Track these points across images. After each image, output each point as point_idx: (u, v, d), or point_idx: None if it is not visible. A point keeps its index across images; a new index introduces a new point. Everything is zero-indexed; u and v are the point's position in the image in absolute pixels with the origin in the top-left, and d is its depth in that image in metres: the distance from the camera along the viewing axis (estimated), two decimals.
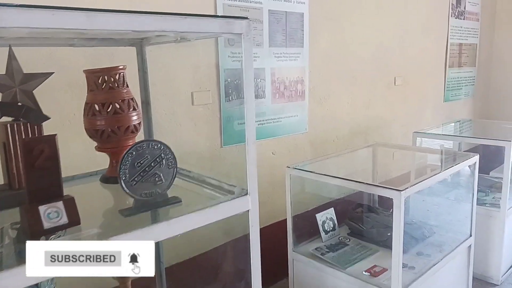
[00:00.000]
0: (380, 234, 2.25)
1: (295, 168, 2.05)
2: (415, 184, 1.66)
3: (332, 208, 2.40)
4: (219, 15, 0.90)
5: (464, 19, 4.19)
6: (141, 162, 1.00)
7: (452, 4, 4.01)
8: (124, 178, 0.97)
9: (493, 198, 2.85)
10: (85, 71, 1.22)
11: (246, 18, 1.05)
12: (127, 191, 0.98)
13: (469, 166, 2.15)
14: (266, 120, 2.54)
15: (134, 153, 0.99)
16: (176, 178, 1.13)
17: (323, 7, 2.79)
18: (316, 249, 2.15)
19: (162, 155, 1.06)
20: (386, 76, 3.43)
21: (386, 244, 2.18)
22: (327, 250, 2.15)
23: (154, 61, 1.75)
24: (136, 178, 0.99)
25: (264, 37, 2.45)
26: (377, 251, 2.15)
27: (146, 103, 1.51)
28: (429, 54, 3.89)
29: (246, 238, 1.23)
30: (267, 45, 2.47)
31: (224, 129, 2.32)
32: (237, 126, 2.38)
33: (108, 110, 1.20)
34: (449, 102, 4.22)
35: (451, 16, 4.02)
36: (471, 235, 2.23)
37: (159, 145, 1.05)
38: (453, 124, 3.52)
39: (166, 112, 2.08)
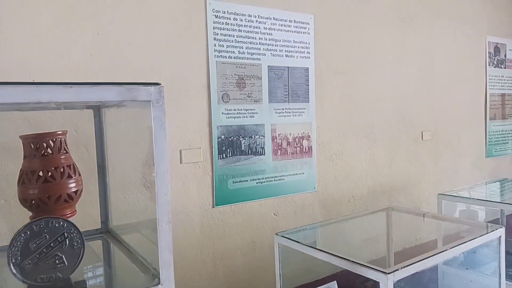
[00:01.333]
0: None
1: (284, 237, 1.85)
2: (407, 266, 1.40)
3: (335, 281, 2.12)
4: (120, 82, 0.81)
5: (505, 67, 3.85)
6: (38, 242, 0.90)
7: (489, 52, 3.71)
8: (13, 260, 0.87)
9: None
10: (21, 136, 1.18)
11: (157, 84, 0.96)
12: (18, 276, 0.88)
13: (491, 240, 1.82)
14: (266, 178, 2.39)
15: (28, 232, 0.89)
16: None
17: (331, 60, 2.68)
18: None
19: (65, 233, 0.95)
20: (411, 131, 3.16)
21: None
22: None
23: (137, 120, 1.73)
24: (30, 261, 0.89)
25: (264, 93, 2.36)
26: None
27: (102, 167, 1.44)
28: (464, 106, 3.57)
29: None
30: (266, 101, 2.38)
31: (217, 188, 2.20)
32: (232, 184, 2.25)
33: (39, 178, 1.13)
34: (494, 158, 3.79)
35: (489, 65, 3.71)
36: None
37: (61, 223, 0.94)
38: (494, 184, 3.11)
39: (152, 172, 2.01)
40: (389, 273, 1.37)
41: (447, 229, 2.33)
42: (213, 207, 2.20)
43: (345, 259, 1.53)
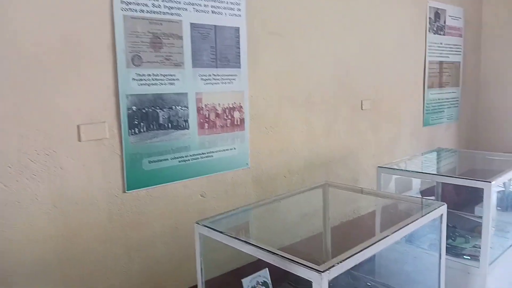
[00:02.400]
0: None
1: (205, 226, 1.57)
2: (342, 261, 1.19)
3: (267, 269, 1.91)
4: None
5: (444, 34, 3.77)
6: None
7: (429, 18, 3.59)
8: None
9: (473, 246, 2.36)
10: None
11: None
12: None
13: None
14: (191, 155, 2.07)
15: None
16: None
17: (266, 20, 2.36)
18: None
19: None
20: (351, 99, 2.98)
21: None
22: None
23: None
24: None
25: (186, 56, 2.01)
26: None
27: None
28: (404, 74, 3.45)
29: None
30: (189, 66, 2.02)
31: (128, 170, 1.85)
32: (147, 165, 1.91)
33: None
34: (430, 127, 3.76)
35: (429, 31, 3.60)
36: None
37: None
38: (430, 155, 3.05)
39: (40, 153, 1.62)
40: (323, 272, 1.14)
41: (385, 203, 2.20)
42: (124, 192, 1.86)
43: (273, 253, 1.29)
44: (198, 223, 1.61)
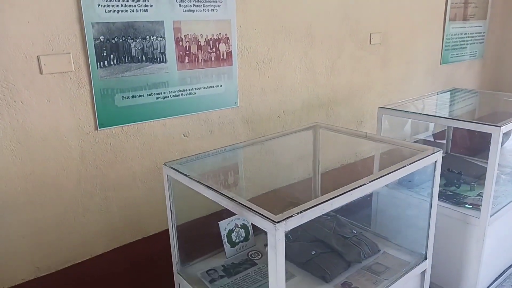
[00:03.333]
0: (302, 252, 1.67)
1: (172, 168, 1.46)
2: (303, 211, 1.06)
3: None
4: None
5: None
6: None
7: None
8: None
9: (478, 195, 2.19)
10: None
11: None
12: None
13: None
14: (170, 92, 1.92)
15: None
16: None
17: None
18: (208, 271, 1.60)
19: None
20: (357, 33, 2.69)
21: (307, 267, 1.61)
22: (223, 273, 1.60)
23: None
24: None
25: None
26: (293, 276, 1.59)
27: None
28: (420, 3, 3.08)
29: None
30: None
31: (99, 106, 1.73)
32: (120, 101, 1.78)
33: None
34: (449, 65, 3.44)
35: None
36: (426, 258, 1.62)
37: None
38: (444, 95, 2.79)
39: None
40: (277, 222, 1.02)
41: (379, 148, 2.03)
42: (97, 129, 1.75)
43: (231, 199, 1.17)
44: (165, 165, 1.50)
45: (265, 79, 2.29)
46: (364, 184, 1.23)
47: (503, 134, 1.77)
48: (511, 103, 2.79)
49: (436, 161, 1.51)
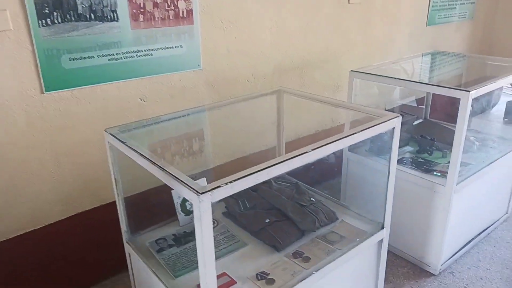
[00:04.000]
0: (257, 220, 1.62)
1: (111, 135, 1.38)
2: (229, 183, 0.98)
3: (204, 178, 1.76)
4: None
5: None
6: None
7: None
8: None
9: (449, 162, 2.13)
10: None
11: None
12: None
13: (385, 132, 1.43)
14: (124, 53, 1.81)
15: None
16: None
17: None
18: (157, 240, 1.56)
19: None
20: None
21: (260, 236, 1.57)
22: (173, 242, 1.56)
23: None
24: None
25: None
26: (245, 245, 1.55)
27: None
28: None
29: None
30: None
31: (44, 68, 1.63)
32: (68, 62, 1.68)
33: None
34: (436, 27, 3.28)
35: None
36: (383, 227, 1.57)
37: None
38: (425, 57, 2.67)
39: None
40: (202, 193, 0.96)
41: (348, 115, 1.94)
42: (43, 93, 1.65)
43: (163, 169, 1.10)
44: (106, 131, 1.42)
45: (232, 40, 2.17)
46: (306, 152, 1.16)
47: (473, 99, 1.68)
48: (500, 67, 2.67)
49: (394, 128, 1.43)
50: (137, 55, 1.85)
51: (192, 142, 2.13)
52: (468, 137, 2.32)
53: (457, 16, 3.39)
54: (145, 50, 1.87)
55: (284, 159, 1.11)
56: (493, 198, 2.29)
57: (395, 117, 1.42)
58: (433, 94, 2.68)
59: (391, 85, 1.99)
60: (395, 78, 1.91)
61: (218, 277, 1.37)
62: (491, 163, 2.07)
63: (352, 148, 2.22)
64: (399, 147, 2.36)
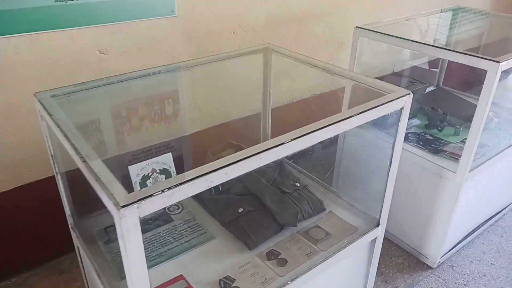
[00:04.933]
0: (228, 208, 1.36)
1: (40, 102, 1.08)
2: (164, 191, 0.69)
3: (170, 153, 1.49)
4: None
5: None
6: None
7: None
8: None
9: (461, 141, 1.83)
10: None
11: None
12: None
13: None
14: None
15: None
16: None
17: None
18: (107, 228, 1.31)
19: None
20: None
21: (231, 228, 1.32)
22: None
23: None
24: None
25: None
26: (212, 238, 1.30)
27: None
28: None
29: None
30: None
31: None
32: (3, 2, 1.33)
33: None
34: None
35: None
36: (378, 225, 1.31)
37: None
38: (446, 14, 2.28)
39: None
40: (124, 206, 0.67)
41: (341, 84, 1.62)
42: None
43: (84, 161, 0.81)
44: (35, 96, 1.11)
45: None
46: (280, 145, 0.87)
47: (502, 71, 1.35)
48: None
49: (402, 108, 1.12)
50: None
51: (165, 105, 1.82)
52: None
53: None
54: None
55: (246, 156, 0.82)
56: (508, 183, 2.02)
57: (406, 95, 1.10)
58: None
59: (402, 47, 1.64)
60: (407, 39, 1.57)
61: (174, 281, 1.14)
62: (510, 146, 1.78)
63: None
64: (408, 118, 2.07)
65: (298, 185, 1.45)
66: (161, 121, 1.85)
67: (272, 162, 1.58)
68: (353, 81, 1.26)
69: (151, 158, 1.48)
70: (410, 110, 2.08)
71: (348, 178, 1.78)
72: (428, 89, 2.34)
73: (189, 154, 1.98)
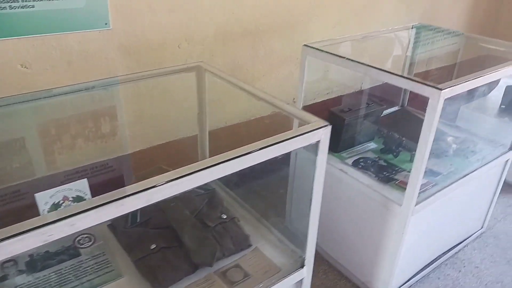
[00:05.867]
0: (141, 243, 1.23)
1: None
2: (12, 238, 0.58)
3: (86, 179, 1.36)
4: None
5: None
6: None
7: None
8: None
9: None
10: None
11: None
12: None
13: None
14: None
15: None
16: None
17: None
18: (4, 263, 1.18)
19: None
20: None
21: (140, 266, 1.19)
22: (24, 267, 1.18)
23: None
24: None
25: None
26: (119, 277, 1.17)
27: None
28: None
29: None
30: None
31: None
32: None
33: None
34: None
35: None
36: (302, 266, 1.18)
37: None
38: (411, 32, 2.17)
39: None
40: None
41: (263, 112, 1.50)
42: None
43: None
44: None
45: None
46: (150, 188, 0.75)
47: (444, 99, 1.23)
48: (495, 55, 2.14)
49: (319, 141, 1.00)
50: (10, 7, 1.38)
51: (100, 122, 1.71)
52: (446, 136, 1.90)
53: None
54: (22, 1, 1.40)
55: (96, 204, 0.70)
56: (466, 213, 1.90)
57: (322, 127, 0.98)
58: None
59: (348, 69, 1.53)
60: (351, 60, 1.45)
61: None
62: (465, 175, 1.66)
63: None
64: (362, 143, 1.96)
65: (225, 217, 1.33)
66: (97, 139, 1.74)
67: (202, 190, 1.46)
68: (278, 109, 1.14)
69: (84, 178, 1.37)
70: (368, 132, 1.98)
71: (283, 209, 1.66)
72: (391, 110, 2.24)
73: (130, 174, 1.86)
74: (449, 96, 1.24)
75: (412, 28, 2.16)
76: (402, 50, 2.30)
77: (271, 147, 0.91)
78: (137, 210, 1.30)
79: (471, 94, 2.58)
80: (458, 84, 1.25)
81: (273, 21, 2.08)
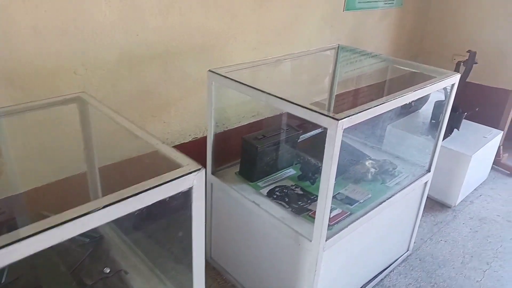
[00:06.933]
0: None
1: None
2: None
3: None
4: None
5: None
6: None
7: None
8: None
9: (334, 197, 1.63)
10: None
11: None
12: None
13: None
14: None
15: None
16: None
17: None
18: None
19: None
20: None
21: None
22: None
23: None
24: None
25: None
26: None
27: None
28: None
29: None
30: None
31: None
32: None
33: None
34: (356, 13, 2.75)
35: None
36: None
37: None
38: (329, 53, 2.14)
39: None
40: None
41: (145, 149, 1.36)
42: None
43: None
44: None
45: (40, 14, 1.49)
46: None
47: (342, 129, 1.16)
48: (414, 78, 2.10)
49: (191, 187, 0.87)
50: None
51: None
52: (364, 161, 1.86)
53: (383, 2, 2.88)
54: None
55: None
56: (389, 238, 1.85)
57: (194, 171, 0.86)
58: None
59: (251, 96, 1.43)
60: (252, 87, 1.36)
61: None
62: (383, 201, 1.60)
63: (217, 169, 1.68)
64: (280, 170, 1.86)
65: (108, 271, 1.16)
66: None
67: (87, 237, 1.28)
68: (155, 149, 1.01)
69: None
70: (286, 158, 1.88)
71: (182, 255, 1.52)
72: (313, 133, 2.17)
73: (24, 216, 1.65)
74: (347, 126, 1.16)
75: (337, 48, 2.12)
76: (326, 70, 2.26)
77: (124, 201, 0.76)
78: (3, 268, 1.10)
79: (403, 108, 2.59)
80: (356, 114, 1.18)
81: (184, 44, 1.96)
